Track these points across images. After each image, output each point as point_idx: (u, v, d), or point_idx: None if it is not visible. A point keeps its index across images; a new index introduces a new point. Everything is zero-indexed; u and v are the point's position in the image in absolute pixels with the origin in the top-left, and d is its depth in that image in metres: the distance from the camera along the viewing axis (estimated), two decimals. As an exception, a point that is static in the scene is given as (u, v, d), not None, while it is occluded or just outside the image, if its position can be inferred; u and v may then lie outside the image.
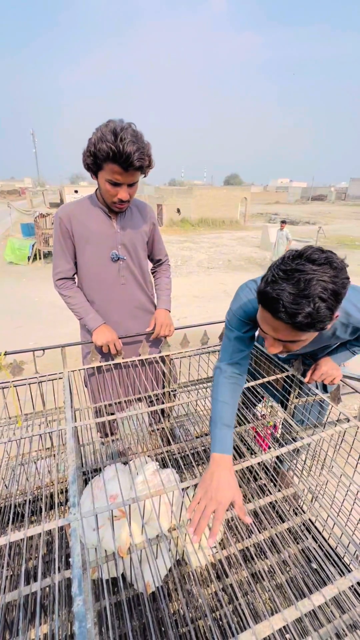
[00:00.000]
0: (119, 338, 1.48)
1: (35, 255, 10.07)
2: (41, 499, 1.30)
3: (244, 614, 0.92)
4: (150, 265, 1.67)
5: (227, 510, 0.87)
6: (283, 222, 8.85)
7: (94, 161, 1.20)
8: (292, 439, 1.18)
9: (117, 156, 1.14)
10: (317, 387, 1.40)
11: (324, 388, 1.50)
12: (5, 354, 1.31)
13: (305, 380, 1.28)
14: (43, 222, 9.84)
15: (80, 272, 1.48)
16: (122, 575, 0.99)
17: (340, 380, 1.27)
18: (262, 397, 1.38)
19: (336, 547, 1.10)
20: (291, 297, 0.74)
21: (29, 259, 9.96)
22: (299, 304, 0.73)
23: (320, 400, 1.35)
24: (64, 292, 1.46)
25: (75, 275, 1.52)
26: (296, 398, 1.36)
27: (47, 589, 0.96)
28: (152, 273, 1.73)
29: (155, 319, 1.62)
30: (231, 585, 1.03)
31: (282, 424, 1.29)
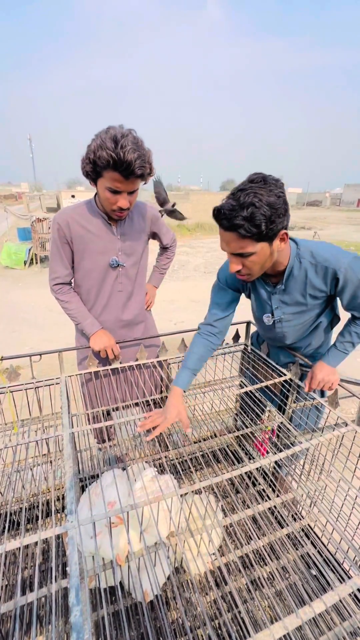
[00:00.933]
0: (117, 343, 1.47)
1: (31, 259, 10.04)
2: (37, 506, 1.28)
3: (243, 622, 0.91)
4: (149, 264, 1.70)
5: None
6: None
7: (94, 169, 1.18)
8: (291, 443, 1.18)
9: (117, 164, 1.11)
10: (314, 392, 1.40)
11: (321, 392, 1.50)
12: (2, 359, 1.30)
13: (305, 390, 1.28)
14: (40, 227, 9.82)
15: (78, 277, 1.46)
16: (120, 583, 0.97)
17: (338, 384, 1.27)
18: (264, 405, 1.37)
19: (335, 553, 1.10)
20: (230, 207, 0.94)
21: (25, 264, 9.93)
22: (235, 210, 0.93)
23: (317, 404, 1.36)
24: (61, 297, 1.45)
25: (72, 281, 1.51)
26: (294, 402, 1.36)
27: (44, 598, 0.95)
28: (158, 255, 1.81)
29: (148, 293, 1.69)
30: (230, 592, 1.02)
31: (280, 428, 1.29)
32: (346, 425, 1.05)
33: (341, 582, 0.68)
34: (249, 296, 1.38)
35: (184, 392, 1.26)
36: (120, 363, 1.45)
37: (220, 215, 0.97)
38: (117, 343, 1.47)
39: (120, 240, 1.42)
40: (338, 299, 1.31)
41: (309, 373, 1.33)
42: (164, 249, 1.77)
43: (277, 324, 1.32)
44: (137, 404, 1.43)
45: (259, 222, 0.93)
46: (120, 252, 1.43)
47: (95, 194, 1.38)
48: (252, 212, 0.92)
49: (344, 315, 1.35)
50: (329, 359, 1.31)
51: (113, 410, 1.48)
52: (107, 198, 1.24)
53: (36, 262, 9.99)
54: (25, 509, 1.01)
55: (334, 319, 1.41)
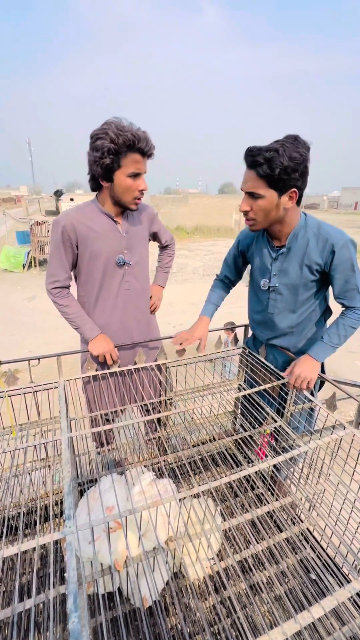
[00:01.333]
0: (117, 346, 1.47)
1: (30, 262, 10.04)
2: (35, 511, 1.28)
3: (242, 627, 0.91)
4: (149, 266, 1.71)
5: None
6: None
7: (114, 159, 1.22)
8: (289, 446, 1.18)
9: (138, 141, 1.19)
10: (312, 394, 1.41)
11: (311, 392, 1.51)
12: (0, 363, 1.30)
13: (289, 387, 1.32)
14: (38, 230, 9.83)
15: (84, 278, 1.45)
16: (119, 589, 0.97)
17: (335, 386, 1.27)
18: (263, 408, 1.37)
19: (334, 557, 1.09)
20: (259, 147, 1.10)
21: (24, 267, 9.93)
22: (260, 150, 1.08)
23: (309, 407, 1.36)
24: (60, 301, 1.43)
25: (70, 285, 1.51)
26: (292, 405, 1.36)
27: (41, 605, 0.94)
28: (158, 256, 1.82)
29: (153, 294, 1.69)
30: (229, 597, 1.01)
31: (279, 431, 1.29)
32: (344, 428, 1.05)
33: (340, 587, 0.68)
34: (249, 261, 1.51)
35: (210, 319, 1.58)
36: (119, 367, 1.45)
37: (248, 152, 1.12)
38: (117, 346, 1.47)
39: (126, 238, 1.43)
40: (330, 290, 1.33)
41: (290, 366, 1.34)
42: (163, 248, 1.78)
43: (271, 295, 1.39)
44: (135, 408, 1.42)
45: (275, 167, 1.06)
46: (126, 250, 1.43)
47: (97, 195, 1.40)
48: (273, 156, 1.06)
49: (336, 310, 1.36)
50: (314, 351, 1.32)
51: (111, 414, 1.48)
52: (129, 185, 1.28)
53: (35, 266, 9.99)
54: (23, 513, 1.00)
55: (327, 311, 1.42)
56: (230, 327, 1.96)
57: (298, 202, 1.21)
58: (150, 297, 1.67)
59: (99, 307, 1.48)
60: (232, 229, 19.95)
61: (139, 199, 1.34)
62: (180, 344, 1.47)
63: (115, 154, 1.20)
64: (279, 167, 1.06)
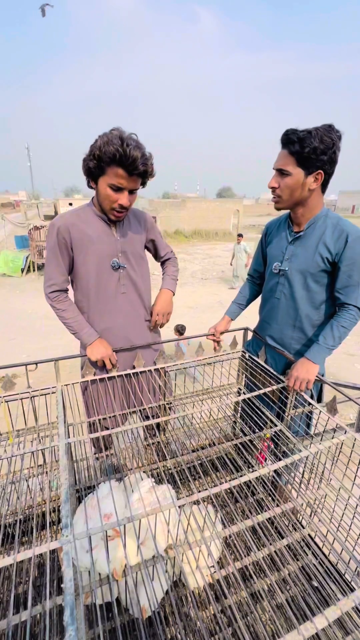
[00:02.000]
0: (115, 350, 1.46)
1: (29, 267, 10.04)
2: (33, 518, 1.26)
3: (244, 637, 0.89)
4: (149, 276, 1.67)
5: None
6: (239, 235, 8.43)
7: (98, 164, 1.21)
8: (289, 451, 1.17)
9: (123, 159, 1.16)
10: (312, 397, 1.40)
11: (319, 398, 1.50)
12: (-3, 368, 1.28)
13: (289, 388, 1.33)
14: (37, 235, 9.85)
15: (80, 282, 1.44)
16: (117, 599, 0.95)
17: (335, 389, 1.26)
18: (262, 412, 1.36)
19: (337, 564, 1.08)
20: (295, 129, 1.20)
21: (22, 271, 9.93)
22: (295, 131, 1.20)
23: (308, 411, 1.36)
24: (57, 305, 1.43)
25: (69, 288, 1.50)
26: (292, 409, 1.35)
27: (38, 615, 0.92)
28: (162, 269, 1.76)
29: (154, 305, 1.60)
30: (230, 606, 0.99)
31: (279, 435, 1.27)
32: (345, 432, 1.04)
33: (343, 595, 0.66)
34: (267, 245, 1.56)
35: (232, 319, 1.71)
36: (117, 371, 1.44)
37: (285, 133, 1.22)
38: (115, 350, 1.46)
39: (120, 242, 1.42)
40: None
41: (290, 369, 1.36)
42: (163, 262, 1.72)
43: (280, 279, 1.44)
44: (134, 412, 1.41)
45: (305, 146, 1.16)
46: (120, 254, 1.43)
47: (93, 197, 1.39)
48: (305, 136, 1.16)
49: None
50: (310, 353, 1.33)
51: (110, 418, 1.46)
52: (109, 195, 1.27)
53: (33, 270, 9.99)
54: (20, 521, 0.98)
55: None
56: (229, 330, 1.95)
57: (323, 189, 1.29)
58: (152, 308, 1.59)
59: (96, 311, 1.47)
60: (231, 233, 20.03)
61: (119, 212, 1.32)
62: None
63: (98, 160, 1.20)
64: (309, 146, 1.16)
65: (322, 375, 1.40)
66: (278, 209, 1.37)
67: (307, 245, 1.34)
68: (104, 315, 1.47)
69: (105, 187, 1.25)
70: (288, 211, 1.40)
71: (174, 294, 1.66)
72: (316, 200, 1.30)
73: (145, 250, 1.61)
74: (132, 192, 1.29)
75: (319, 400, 1.51)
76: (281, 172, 1.25)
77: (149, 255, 1.66)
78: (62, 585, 0.62)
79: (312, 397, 1.41)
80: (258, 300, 1.72)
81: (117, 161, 1.17)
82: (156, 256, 1.70)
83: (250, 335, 1.69)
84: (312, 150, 1.16)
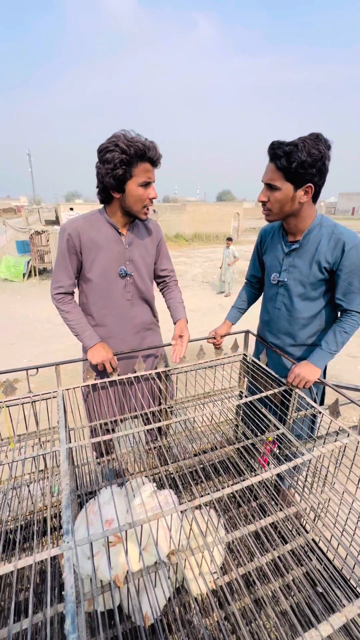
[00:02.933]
0: (115, 354, 1.46)
1: (30, 272, 10.08)
2: (34, 524, 1.25)
3: (248, 645, 0.87)
4: (154, 286, 1.66)
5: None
6: (229, 239, 8.27)
7: (126, 169, 1.25)
8: (292, 454, 1.16)
9: (148, 150, 1.23)
10: (315, 401, 1.39)
11: (321, 402, 1.49)
12: (-2, 373, 1.28)
13: (287, 381, 1.33)
14: (38, 239, 9.89)
15: (87, 287, 1.45)
16: (119, 606, 0.94)
17: (337, 391, 1.25)
18: (264, 415, 1.35)
19: (341, 569, 1.06)
20: (281, 142, 1.16)
21: (24, 276, 9.96)
22: (282, 144, 1.15)
23: (311, 414, 1.35)
24: (62, 307, 1.43)
25: (75, 291, 1.50)
26: (294, 412, 1.34)
27: (39, 623, 0.91)
28: (161, 288, 1.69)
29: (175, 335, 1.50)
30: (233, 613, 0.98)
31: (281, 439, 1.26)
32: (348, 435, 1.03)
33: (349, 601, 0.65)
34: (264, 254, 1.55)
35: (232, 324, 1.71)
36: (119, 375, 1.44)
37: (271, 146, 1.20)
38: (116, 354, 1.46)
39: (129, 250, 1.44)
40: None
41: (290, 369, 1.36)
42: (166, 278, 1.66)
43: (280, 290, 1.43)
44: (136, 417, 1.40)
45: (292, 160, 1.13)
46: (128, 261, 1.44)
47: (104, 205, 1.40)
48: (292, 150, 1.12)
49: None
50: (313, 358, 1.33)
51: (111, 423, 1.45)
52: (141, 195, 1.31)
53: (35, 275, 10.02)
54: (21, 527, 0.97)
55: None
56: (230, 334, 1.94)
57: (315, 199, 1.26)
58: (175, 340, 1.48)
59: (100, 317, 1.48)
60: (231, 236, 20.09)
61: (148, 207, 1.37)
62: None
63: (127, 164, 1.23)
64: (296, 161, 1.12)
65: (324, 378, 1.39)
66: (269, 221, 1.36)
67: (304, 256, 1.33)
68: (106, 320, 1.48)
69: (136, 188, 1.29)
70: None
71: (187, 320, 1.61)
72: (308, 210, 1.28)
73: None
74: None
75: (321, 403, 1.50)
76: (270, 187, 1.23)
77: None
78: (63, 593, 0.61)
79: (314, 400, 1.40)
80: (258, 304, 1.72)
81: (144, 157, 1.23)
82: (159, 271, 1.63)
83: (251, 338, 1.68)
84: (299, 165, 1.13)
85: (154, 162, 1.28)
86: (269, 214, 1.30)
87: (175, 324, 1.56)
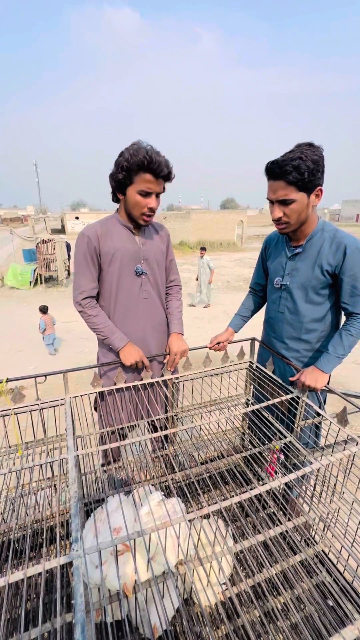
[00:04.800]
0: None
1: (36, 279, 10.19)
2: (41, 533, 1.24)
3: (258, 659, 0.86)
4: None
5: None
6: (202, 249, 7.89)
7: (127, 175, 1.31)
8: (300, 463, 1.15)
9: (150, 164, 1.27)
10: (320, 407, 1.38)
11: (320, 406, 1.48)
12: (7, 380, 1.30)
13: (293, 378, 1.37)
14: (44, 248, 10.02)
15: (105, 288, 1.50)
16: (127, 617, 0.93)
17: (345, 399, 1.24)
18: (271, 423, 1.35)
19: (352, 582, 1.04)
20: (282, 158, 1.21)
21: (30, 284, 10.08)
22: (285, 160, 1.20)
23: (317, 422, 1.35)
24: (88, 311, 1.46)
25: (96, 294, 1.52)
26: (302, 420, 1.33)
27: (46, 634, 0.90)
28: (168, 299, 1.72)
29: (169, 346, 1.59)
30: (243, 626, 0.96)
31: (289, 447, 1.25)
32: (357, 444, 1.02)
33: (360, 615, 0.64)
34: (267, 260, 1.58)
35: (235, 331, 1.73)
36: (126, 382, 1.44)
37: (272, 165, 1.23)
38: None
39: (143, 249, 1.49)
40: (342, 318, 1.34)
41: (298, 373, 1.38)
42: (170, 284, 1.70)
43: (283, 294, 1.45)
44: (143, 425, 1.40)
45: (303, 171, 1.18)
46: (143, 260, 1.49)
47: (117, 209, 1.48)
48: (299, 164, 1.17)
49: None
50: (321, 363, 1.34)
51: (120, 431, 1.46)
52: (139, 202, 1.36)
53: (41, 283, 10.13)
54: (29, 535, 0.97)
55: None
56: (236, 341, 1.95)
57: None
58: (169, 353, 1.58)
59: (119, 316, 1.51)
60: (235, 243, 20.16)
61: (148, 216, 1.41)
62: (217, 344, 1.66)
63: (127, 171, 1.30)
64: (307, 170, 1.18)
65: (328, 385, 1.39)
66: (285, 233, 1.38)
67: (307, 260, 1.36)
68: (127, 319, 1.52)
69: (135, 194, 1.35)
70: None
71: (183, 334, 1.67)
72: (313, 215, 1.33)
73: None
74: (157, 195, 1.39)
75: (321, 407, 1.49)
76: (284, 202, 1.26)
77: None
78: (72, 602, 0.61)
79: (320, 407, 1.39)
80: (261, 313, 1.73)
81: (145, 167, 1.28)
82: (167, 276, 1.68)
83: (257, 345, 1.68)
84: (310, 174, 1.19)
85: (156, 174, 1.31)
86: (287, 226, 1.33)
87: (169, 335, 1.64)
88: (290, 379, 1.40)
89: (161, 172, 1.31)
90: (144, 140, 1.34)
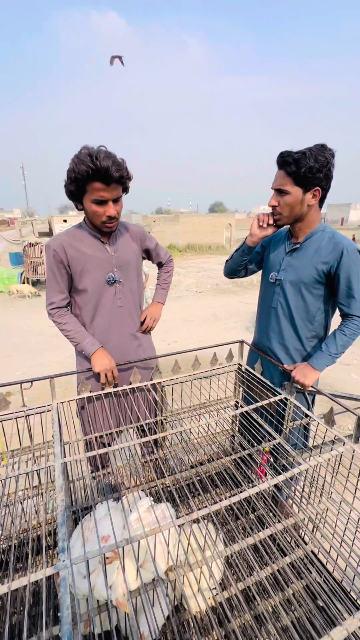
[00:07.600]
0: (117, 365, 1.47)
1: (23, 283, 10.03)
2: (27, 543, 1.21)
3: (249, 664, 0.85)
4: (147, 283, 1.72)
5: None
6: None
7: (77, 186, 1.25)
8: (289, 464, 1.15)
9: (96, 172, 1.19)
10: (308, 409, 1.40)
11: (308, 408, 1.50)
12: (-9, 387, 1.26)
13: (285, 366, 1.40)
14: (32, 251, 9.89)
15: (78, 298, 1.47)
16: (116, 627, 0.91)
17: (332, 400, 1.26)
18: (260, 425, 1.35)
19: (341, 581, 1.05)
20: (289, 151, 1.26)
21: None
22: (290, 153, 1.25)
23: (305, 423, 1.36)
24: (58, 319, 1.45)
25: (69, 303, 1.51)
26: (291, 421, 1.34)
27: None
28: (158, 274, 1.80)
29: (145, 312, 1.65)
30: (234, 630, 0.96)
31: (278, 449, 1.26)
32: (344, 444, 1.04)
33: (349, 614, 0.64)
34: (265, 252, 1.58)
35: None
36: (114, 387, 1.43)
37: (280, 155, 1.29)
38: (117, 365, 1.47)
39: (115, 256, 1.45)
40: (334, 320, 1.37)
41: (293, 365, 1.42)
42: (160, 266, 1.79)
43: (277, 289, 1.46)
44: (131, 429, 1.39)
45: (301, 166, 1.22)
46: (115, 268, 1.46)
47: (84, 217, 1.43)
48: (300, 157, 1.22)
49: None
50: (314, 360, 1.36)
51: (107, 436, 1.44)
52: (95, 211, 1.30)
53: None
54: (15, 546, 0.94)
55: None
56: (224, 344, 1.95)
57: (321, 204, 1.34)
58: (144, 317, 1.65)
59: (94, 325, 1.49)
60: (224, 246, 20.32)
61: (109, 223, 1.35)
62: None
63: (76, 181, 1.24)
64: (305, 166, 1.21)
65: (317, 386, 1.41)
66: (279, 225, 1.41)
67: (303, 257, 1.38)
68: (101, 328, 1.49)
69: (90, 204, 1.29)
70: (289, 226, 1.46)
71: (163, 305, 1.74)
72: (314, 215, 1.36)
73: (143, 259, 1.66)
74: (115, 201, 1.31)
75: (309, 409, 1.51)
76: (280, 192, 1.31)
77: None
78: (58, 614, 0.59)
79: (308, 408, 1.41)
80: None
81: (92, 176, 1.21)
82: (155, 262, 1.74)
83: (246, 348, 1.69)
84: (308, 170, 1.22)
85: (106, 180, 1.22)
86: (280, 218, 1.36)
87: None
88: (285, 366, 1.42)
89: (110, 178, 1.21)
90: (118, 147, 1.30)
